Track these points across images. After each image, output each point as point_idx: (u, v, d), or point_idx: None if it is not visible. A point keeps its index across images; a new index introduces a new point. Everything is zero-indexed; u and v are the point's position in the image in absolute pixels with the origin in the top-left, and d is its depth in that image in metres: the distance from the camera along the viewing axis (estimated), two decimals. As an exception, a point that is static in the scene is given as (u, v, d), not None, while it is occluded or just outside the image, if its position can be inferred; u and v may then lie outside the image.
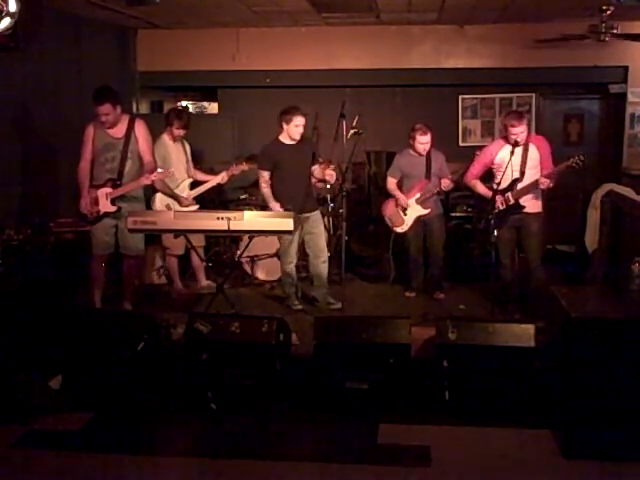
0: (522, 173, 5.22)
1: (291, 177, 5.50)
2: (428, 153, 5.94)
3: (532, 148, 5.25)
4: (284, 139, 5.54)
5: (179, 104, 9.35)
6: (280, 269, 5.90)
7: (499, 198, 5.23)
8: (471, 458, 3.46)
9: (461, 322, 4.10)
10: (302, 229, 5.57)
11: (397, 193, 6.03)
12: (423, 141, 5.87)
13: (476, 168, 5.48)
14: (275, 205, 5.47)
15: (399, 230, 6.05)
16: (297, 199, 5.46)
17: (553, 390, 3.88)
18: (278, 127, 5.54)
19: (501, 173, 5.23)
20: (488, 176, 5.49)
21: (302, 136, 5.55)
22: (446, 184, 5.84)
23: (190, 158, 6.23)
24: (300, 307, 5.71)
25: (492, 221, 5.12)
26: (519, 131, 5.13)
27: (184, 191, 6.04)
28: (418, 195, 5.95)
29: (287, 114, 5.46)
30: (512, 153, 5.09)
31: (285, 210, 5.34)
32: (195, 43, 8.00)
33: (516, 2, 6.50)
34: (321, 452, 3.54)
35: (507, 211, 5.25)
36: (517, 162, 5.20)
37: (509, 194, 5.23)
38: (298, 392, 4.13)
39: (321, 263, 5.70)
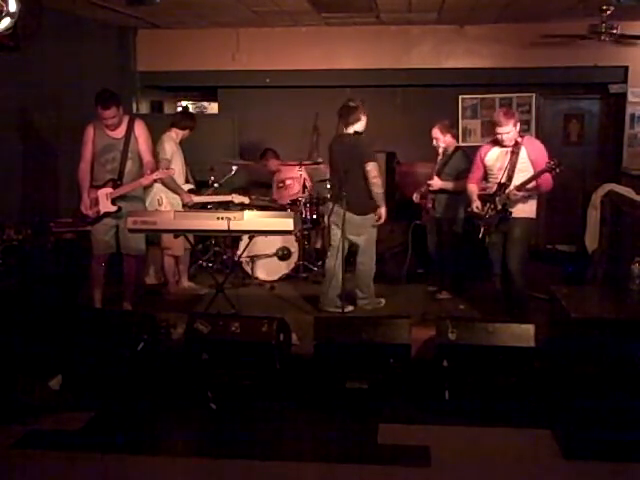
0: (509, 178, 4.97)
1: None
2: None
3: (523, 151, 4.98)
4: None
5: (179, 104, 9.35)
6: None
7: (488, 204, 5.09)
8: (471, 458, 3.45)
9: (461, 322, 4.09)
10: None
11: None
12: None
13: (472, 171, 5.34)
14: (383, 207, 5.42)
15: None
16: None
17: (553, 390, 3.88)
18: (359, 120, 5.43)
19: (492, 176, 5.11)
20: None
21: None
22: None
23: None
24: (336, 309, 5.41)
25: (482, 227, 5.07)
26: (503, 131, 4.92)
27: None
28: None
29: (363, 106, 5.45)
30: (504, 154, 4.98)
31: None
32: (195, 43, 8.01)
33: (516, 2, 6.50)
34: (321, 452, 3.53)
35: (495, 217, 5.08)
36: (505, 165, 5.00)
37: (497, 199, 5.03)
38: (298, 392, 4.13)
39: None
